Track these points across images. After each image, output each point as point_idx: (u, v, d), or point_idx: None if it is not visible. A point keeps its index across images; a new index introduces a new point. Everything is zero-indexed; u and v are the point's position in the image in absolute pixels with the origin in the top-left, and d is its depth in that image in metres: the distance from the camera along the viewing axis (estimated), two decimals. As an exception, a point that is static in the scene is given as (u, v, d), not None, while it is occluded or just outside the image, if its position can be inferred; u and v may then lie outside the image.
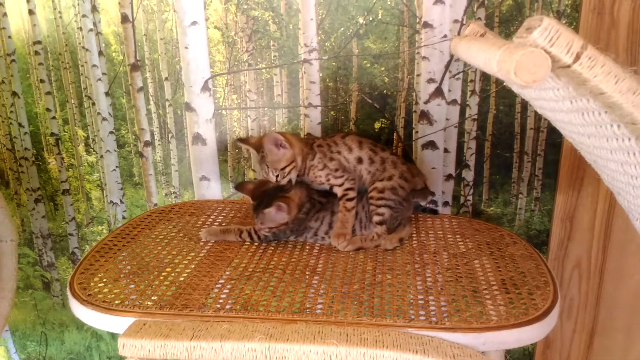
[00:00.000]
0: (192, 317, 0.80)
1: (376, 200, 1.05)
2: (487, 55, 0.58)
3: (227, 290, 0.87)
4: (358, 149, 1.08)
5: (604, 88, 0.50)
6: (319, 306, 0.82)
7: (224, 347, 0.73)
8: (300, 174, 1.08)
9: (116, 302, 0.84)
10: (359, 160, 1.08)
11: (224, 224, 1.16)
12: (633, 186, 0.63)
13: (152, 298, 0.85)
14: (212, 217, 1.20)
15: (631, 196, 0.66)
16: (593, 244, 1.26)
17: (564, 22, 1.12)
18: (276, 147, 1.04)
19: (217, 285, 0.89)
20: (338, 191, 1.07)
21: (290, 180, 1.06)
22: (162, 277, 0.92)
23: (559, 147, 1.21)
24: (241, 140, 1.15)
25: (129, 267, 0.96)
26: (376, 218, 1.05)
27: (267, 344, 0.72)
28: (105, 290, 0.88)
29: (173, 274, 0.94)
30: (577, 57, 0.49)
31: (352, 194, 1.06)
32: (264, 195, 1.05)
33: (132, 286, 0.89)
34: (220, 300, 0.84)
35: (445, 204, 1.29)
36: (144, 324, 0.78)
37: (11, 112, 1.36)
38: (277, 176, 1.05)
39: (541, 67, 0.50)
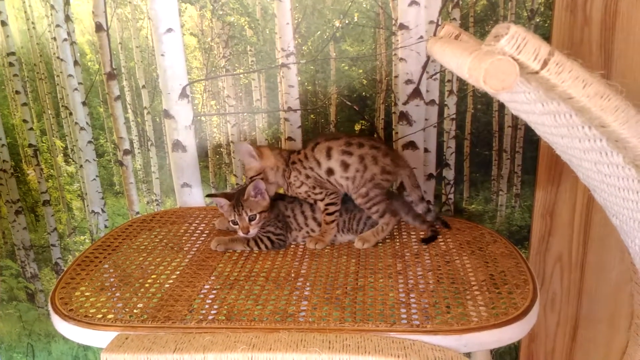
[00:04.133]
0: (174, 329, 0.80)
1: (365, 204, 1.06)
2: (459, 61, 0.59)
3: (209, 300, 0.87)
4: (326, 160, 1.04)
5: (572, 93, 0.51)
6: (302, 313, 0.82)
7: (206, 358, 0.73)
8: (287, 191, 1.11)
9: (98, 316, 0.84)
10: (330, 172, 1.05)
11: (206, 232, 1.16)
12: (607, 184, 0.64)
13: (135, 311, 0.85)
14: (194, 224, 1.20)
15: (606, 193, 0.67)
16: (573, 238, 1.27)
17: (537, 20, 1.13)
18: (247, 156, 1.07)
19: (199, 296, 0.89)
20: (320, 205, 1.08)
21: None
22: (144, 289, 0.92)
23: (536, 144, 1.22)
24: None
25: (111, 280, 0.96)
26: (375, 216, 1.07)
27: (250, 353, 0.72)
28: (87, 304, 0.87)
29: (155, 285, 0.93)
30: (545, 64, 0.50)
31: (332, 208, 1.07)
32: (236, 193, 1.07)
33: (114, 299, 0.89)
34: (203, 311, 0.84)
35: (428, 203, 1.29)
36: (127, 338, 0.78)
37: (-13, 124, 1.34)
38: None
39: (509, 74, 0.50)
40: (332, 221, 1.07)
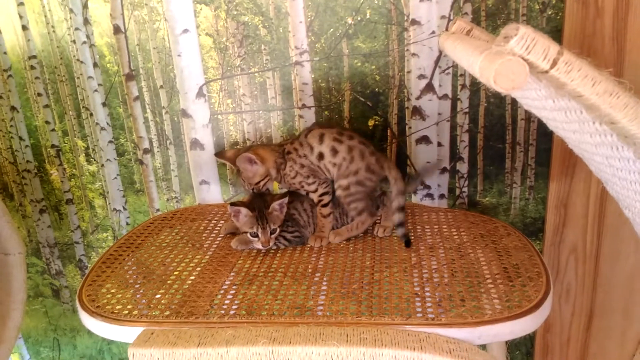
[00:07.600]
0: (197, 324, 0.83)
1: (345, 198, 1.08)
2: (470, 60, 0.60)
3: (230, 296, 0.90)
4: (318, 144, 1.08)
5: (582, 91, 0.52)
6: (320, 307, 0.85)
7: (229, 352, 0.75)
8: (280, 183, 1.13)
9: (124, 312, 0.87)
10: (320, 156, 1.08)
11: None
12: (619, 178, 0.65)
13: (159, 307, 0.88)
14: (213, 221, 1.23)
15: (618, 187, 0.68)
16: (588, 229, 1.28)
17: (549, 12, 1.13)
18: (250, 165, 1.09)
19: (220, 291, 0.92)
20: (313, 197, 1.11)
21: (268, 189, 1.11)
22: (167, 285, 0.95)
23: (550, 136, 1.22)
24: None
25: (135, 277, 0.99)
26: (353, 213, 1.09)
27: (270, 347, 0.75)
28: (114, 301, 0.91)
29: (178, 282, 0.96)
30: (554, 63, 0.51)
31: (326, 199, 1.09)
32: (257, 204, 1.07)
33: (138, 296, 0.92)
34: (224, 306, 0.87)
35: (442, 196, 1.31)
36: (152, 333, 0.81)
37: (11, 126, 1.38)
38: (252, 190, 1.11)
39: (519, 74, 0.51)
40: (329, 214, 1.10)
